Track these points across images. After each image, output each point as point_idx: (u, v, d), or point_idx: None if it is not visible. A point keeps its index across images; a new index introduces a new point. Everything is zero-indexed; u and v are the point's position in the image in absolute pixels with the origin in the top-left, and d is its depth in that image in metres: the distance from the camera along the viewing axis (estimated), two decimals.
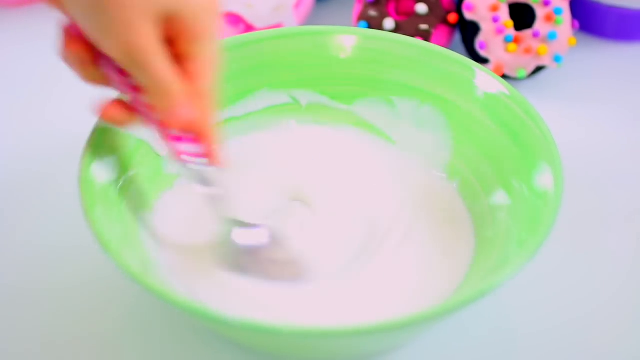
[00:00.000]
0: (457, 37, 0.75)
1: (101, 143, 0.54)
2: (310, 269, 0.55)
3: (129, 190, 0.55)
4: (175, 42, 0.49)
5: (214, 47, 0.50)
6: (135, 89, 0.50)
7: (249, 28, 0.72)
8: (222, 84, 0.59)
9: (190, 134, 0.51)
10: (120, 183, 0.55)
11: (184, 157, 0.52)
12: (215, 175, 0.53)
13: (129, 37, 0.47)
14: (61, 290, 0.57)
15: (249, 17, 0.71)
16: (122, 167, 0.55)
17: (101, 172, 0.54)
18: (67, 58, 0.51)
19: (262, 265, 0.55)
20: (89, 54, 0.50)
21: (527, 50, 0.69)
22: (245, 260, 0.55)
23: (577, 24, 0.72)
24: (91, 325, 0.55)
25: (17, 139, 0.67)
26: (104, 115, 0.52)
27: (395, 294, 0.54)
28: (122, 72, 0.50)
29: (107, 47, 0.48)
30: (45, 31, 0.76)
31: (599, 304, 0.57)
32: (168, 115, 0.50)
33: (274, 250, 0.56)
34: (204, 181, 0.53)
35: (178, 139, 0.51)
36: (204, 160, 0.52)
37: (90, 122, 0.55)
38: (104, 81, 0.52)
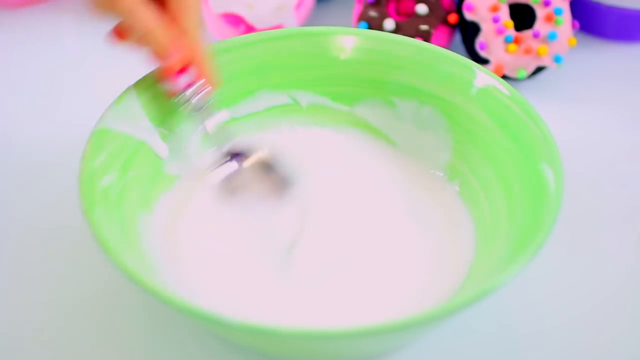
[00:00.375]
0: (458, 37, 0.75)
1: (101, 144, 0.54)
2: (296, 189, 0.58)
3: (129, 191, 0.55)
4: None
5: None
6: None
7: (249, 29, 0.72)
8: (223, 85, 0.59)
9: (185, 68, 0.56)
10: (120, 184, 0.55)
11: (187, 92, 0.57)
12: (215, 105, 0.57)
13: None
14: (60, 290, 0.57)
15: (249, 18, 0.71)
16: (122, 169, 0.55)
17: (101, 173, 0.54)
18: None
19: (250, 185, 0.58)
20: None
21: (528, 51, 0.69)
22: (235, 182, 0.58)
23: (577, 24, 0.72)
24: (90, 326, 0.55)
25: (17, 139, 0.67)
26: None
27: (396, 294, 0.54)
28: None
29: (94, 6, 0.53)
30: (45, 32, 0.77)
31: (599, 303, 0.57)
32: (159, 57, 0.55)
33: (263, 172, 0.59)
34: (207, 113, 0.57)
35: (177, 73, 0.56)
36: (204, 88, 0.57)
37: (90, 123, 0.55)
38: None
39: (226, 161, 0.58)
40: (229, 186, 0.58)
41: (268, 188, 0.58)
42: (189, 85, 0.56)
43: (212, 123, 0.58)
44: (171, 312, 0.55)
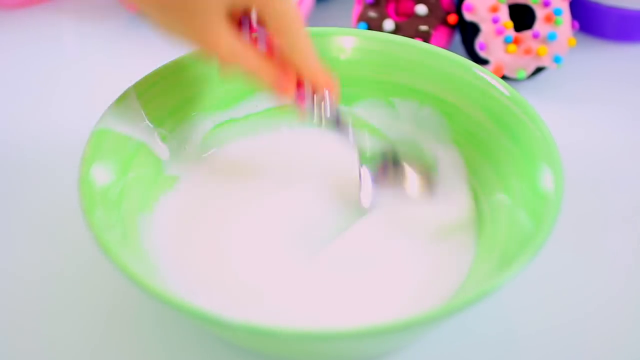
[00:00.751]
0: (457, 38, 0.75)
1: (101, 145, 0.54)
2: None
3: (129, 192, 0.55)
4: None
5: (291, 9, 0.53)
6: None
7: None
8: (224, 85, 0.59)
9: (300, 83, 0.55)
10: (120, 185, 0.55)
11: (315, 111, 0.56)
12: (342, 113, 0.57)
13: (207, 38, 0.52)
14: (60, 291, 0.57)
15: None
16: (122, 170, 0.55)
17: (101, 174, 0.53)
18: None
19: None
20: None
21: (527, 51, 0.69)
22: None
23: (577, 24, 0.72)
24: (89, 327, 0.55)
25: (17, 140, 0.67)
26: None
27: (396, 295, 0.54)
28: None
29: (189, 45, 0.53)
30: (45, 32, 0.76)
31: (599, 304, 0.57)
32: (272, 90, 0.54)
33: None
34: (337, 120, 0.57)
35: (300, 97, 0.56)
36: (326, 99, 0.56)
37: (90, 123, 0.55)
38: None
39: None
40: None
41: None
42: (312, 101, 0.56)
43: (351, 132, 0.58)
44: (171, 313, 0.55)
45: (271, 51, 0.55)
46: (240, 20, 0.54)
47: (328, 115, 0.56)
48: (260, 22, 0.54)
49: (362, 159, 0.58)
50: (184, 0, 0.51)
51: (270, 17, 0.53)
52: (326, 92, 0.56)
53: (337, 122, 0.57)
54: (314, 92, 0.56)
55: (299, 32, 0.54)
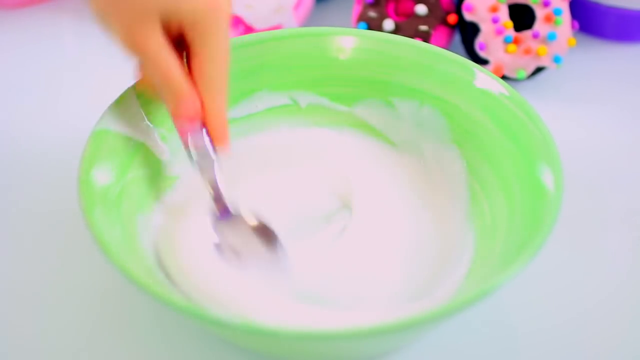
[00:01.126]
0: (457, 38, 0.75)
1: (100, 145, 0.54)
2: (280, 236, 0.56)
3: (128, 192, 0.55)
4: (184, 40, 0.54)
5: (219, 43, 0.53)
6: None
7: (248, 29, 0.72)
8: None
9: (197, 123, 0.55)
10: (120, 185, 0.55)
11: (194, 145, 0.55)
12: (219, 163, 0.56)
13: (136, 37, 0.52)
14: (59, 291, 0.57)
15: (248, 18, 0.71)
16: (122, 170, 0.55)
17: (100, 174, 0.53)
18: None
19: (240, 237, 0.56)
20: None
21: (527, 51, 0.69)
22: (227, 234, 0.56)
23: (576, 24, 0.72)
24: (88, 327, 0.55)
25: (16, 140, 0.67)
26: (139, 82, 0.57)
27: (397, 295, 0.54)
28: None
29: (121, 45, 0.53)
30: (45, 32, 0.76)
31: (598, 303, 0.57)
32: (175, 108, 0.54)
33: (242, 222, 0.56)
34: (209, 169, 0.55)
35: (189, 128, 0.55)
36: (210, 146, 0.55)
37: (89, 123, 0.55)
38: None
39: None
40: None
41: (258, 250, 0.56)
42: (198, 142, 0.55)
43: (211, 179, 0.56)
44: (171, 313, 0.55)
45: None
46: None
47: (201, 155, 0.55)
48: (187, 42, 0.54)
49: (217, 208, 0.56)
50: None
51: (194, 41, 0.53)
52: (207, 139, 0.55)
53: (206, 167, 0.55)
54: (208, 134, 0.55)
55: (218, 70, 0.54)
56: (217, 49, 0.54)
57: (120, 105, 0.56)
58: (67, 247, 0.59)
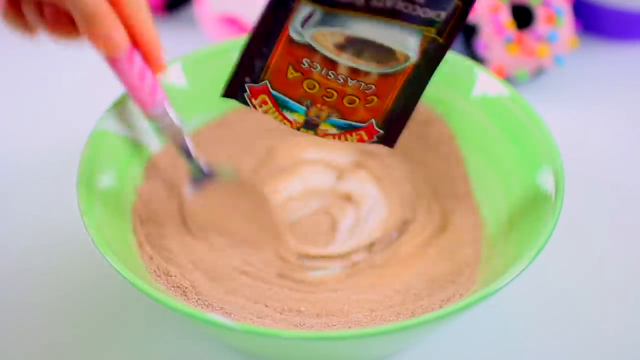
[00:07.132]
0: (458, 38, 0.75)
1: (100, 146, 0.54)
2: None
3: (128, 193, 0.55)
4: None
5: None
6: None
7: (243, 29, 0.72)
8: (220, 85, 0.59)
9: (126, 44, 0.51)
10: (119, 186, 0.55)
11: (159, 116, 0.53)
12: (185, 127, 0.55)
13: None
14: (59, 291, 0.57)
15: (244, 18, 0.71)
16: (121, 170, 0.55)
17: (100, 175, 0.53)
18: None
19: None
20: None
21: (528, 52, 0.69)
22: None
23: (578, 25, 0.72)
24: (87, 327, 0.55)
25: (16, 141, 0.67)
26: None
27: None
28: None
29: None
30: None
31: (599, 304, 0.57)
32: (104, 42, 0.49)
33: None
34: (178, 135, 0.54)
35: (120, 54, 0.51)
36: (174, 113, 0.53)
37: (88, 125, 0.55)
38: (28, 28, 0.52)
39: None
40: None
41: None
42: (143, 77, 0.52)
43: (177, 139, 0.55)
44: (171, 314, 0.55)
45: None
46: None
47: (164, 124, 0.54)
48: None
49: (193, 171, 0.56)
50: None
51: None
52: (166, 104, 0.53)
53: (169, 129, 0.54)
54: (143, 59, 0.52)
55: None
56: None
57: (120, 106, 0.56)
58: (66, 247, 0.59)
